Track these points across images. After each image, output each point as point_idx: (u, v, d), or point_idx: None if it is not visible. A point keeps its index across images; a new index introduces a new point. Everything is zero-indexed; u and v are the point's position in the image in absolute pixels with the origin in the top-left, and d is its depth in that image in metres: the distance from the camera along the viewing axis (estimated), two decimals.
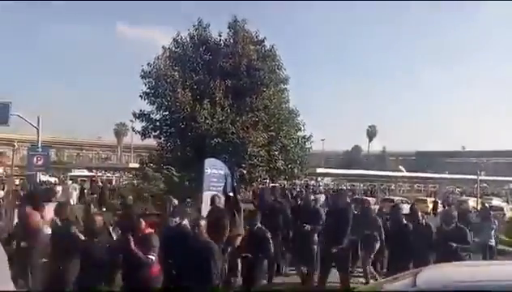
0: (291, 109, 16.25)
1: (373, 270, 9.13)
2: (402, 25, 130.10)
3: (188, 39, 15.63)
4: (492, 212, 11.52)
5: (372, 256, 8.93)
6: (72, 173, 42.38)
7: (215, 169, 10.89)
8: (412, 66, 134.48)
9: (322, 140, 58.01)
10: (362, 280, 8.66)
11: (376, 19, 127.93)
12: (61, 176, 40.54)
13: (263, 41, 15.87)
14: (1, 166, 41.28)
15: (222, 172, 11.11)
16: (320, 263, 7.65)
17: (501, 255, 10.44)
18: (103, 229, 6.06)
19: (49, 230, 6.69)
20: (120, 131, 72.03)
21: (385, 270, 8.75)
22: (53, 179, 35.26)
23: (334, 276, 7.84)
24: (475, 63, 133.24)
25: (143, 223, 5.53)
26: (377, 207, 14.10)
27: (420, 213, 9.03)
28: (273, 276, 8.20)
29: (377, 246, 8.79)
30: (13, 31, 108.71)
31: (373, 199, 24.84)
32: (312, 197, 10.09)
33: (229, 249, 7.76)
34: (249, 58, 14.73)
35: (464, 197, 32.46)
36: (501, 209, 22.42)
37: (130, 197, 12.48)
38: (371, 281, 8.70)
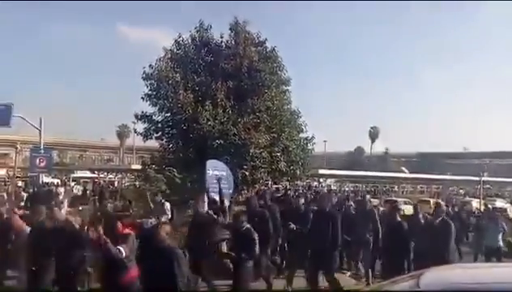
0: (293, 111, 16.22)
1: (361, 267, 9.13)
2: (403, 25, 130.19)
3: (189, 40, 15.64)
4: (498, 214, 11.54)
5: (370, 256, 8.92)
6: (75, 175, 42.54)
7: (216, 171, 10.90)
8: (414, 67, 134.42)
9: (325, 142, 58.15)
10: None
11: (377, 19, 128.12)
12: (64, 177, 40.65)
13: (265, 43, 15.87)
14: (3, 168, 41.39)
15: (224, 173, 11.13)
16: (308, 265, 7.61)
17: (507, 257, 10.37)
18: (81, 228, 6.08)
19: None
20: (122, 133, 72.25)
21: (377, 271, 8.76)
22: (55, 181, 35.38)
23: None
24: (477, 64, 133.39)
25: (120, 223, 5.44)
26: (380, 208, 14.08)
27: (420, 214, 9.04)
28: (269, 278, 8.03)
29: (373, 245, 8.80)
30: (14, 31, 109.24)
31: (376, 200, 24.75)
32: (302, 200, 9.78)
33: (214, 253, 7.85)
34: (251, 60, 14.72)
35: (467, 198, 32.38)
36: (505, 211, 22.34)
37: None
38: (364, 279, 8.69)
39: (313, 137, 16.68)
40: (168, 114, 15.03)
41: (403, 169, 57.77)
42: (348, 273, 9.42)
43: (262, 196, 10.29)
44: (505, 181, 47.13)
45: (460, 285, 3.16)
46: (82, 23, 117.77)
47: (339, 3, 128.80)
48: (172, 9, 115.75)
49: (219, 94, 14.05)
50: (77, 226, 6.09)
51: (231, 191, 11.46)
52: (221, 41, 15.82)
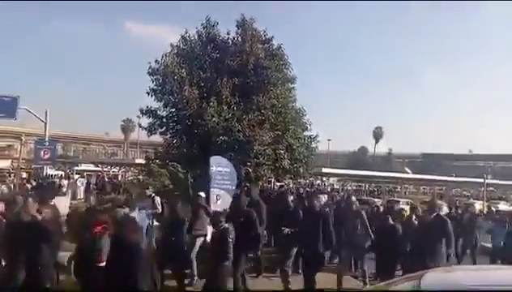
0: (298, 109, 16.20)
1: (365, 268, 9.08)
2: (408, 25, 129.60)
3: (196, 36, 15.64)
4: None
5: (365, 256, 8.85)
6: (78, 168, 42.68)
7: (220, 167, 10.93)
8: (419, 67, 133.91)
9: (329, 140, 58.03)
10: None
11: (381, 18, 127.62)
12: (68, 170, 40.81)
13: (271, 40, 15.84)
14: (8, 159, 41.64)
15: (227, 170, 11.15)
16: (303, 266, 7.45)
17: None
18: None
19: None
20: (127, 127, 72.39)
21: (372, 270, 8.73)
22: (59, 173, 35.56)
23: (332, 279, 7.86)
24: (482, 65, 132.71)
25: (97, 220, 5.36)
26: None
27: (413, 215, 9.00)
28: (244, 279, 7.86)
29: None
30: (23, 28, 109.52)
31: (379, 200, 24.72)
32: (291, 198, 9.51)
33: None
34: (257, 57, 14.70)
35: (471, 200, 32.30)
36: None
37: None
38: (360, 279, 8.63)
39: (317, 135, 16.67)
40: (173, 110, 15.05)
41: (407, 169, 57.70)
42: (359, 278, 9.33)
43: (250, 194, 10.01)
44: (509, 184, 46.94)
45: (461, 286, 3.17)
46: (90, 19, 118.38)
47: (341, 3, 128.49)
48: (179, 6, 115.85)
49: (225, 90, 14.05)
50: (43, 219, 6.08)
51: (234, 188, 11.49)
52: (227, 38, 15.80)
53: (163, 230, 8.08)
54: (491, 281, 3.42)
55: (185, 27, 15.93)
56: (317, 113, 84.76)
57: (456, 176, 47.64)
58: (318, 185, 41.96)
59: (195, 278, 8.07)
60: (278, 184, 24.96)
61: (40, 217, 6.14)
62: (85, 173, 37.49)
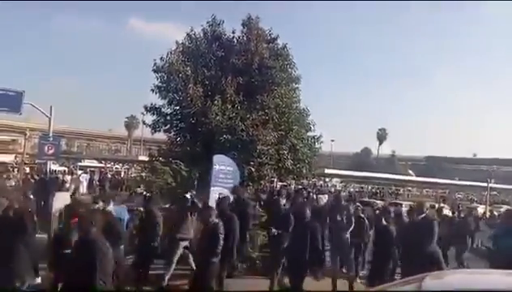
0: (301, 109, 16.17)
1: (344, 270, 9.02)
2: (413, 26, 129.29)
3: (201, 34, 15.65)
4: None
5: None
6: (82, 164, 42.81)
7: (223, 166, 10.95)
8: (424, 69, 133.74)
9: (332, 141, 57.95)
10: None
11: (386, 18, 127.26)
12: (71, 166, 40.95)
13: (276, 39, 15.83)
14: (12, 154, 41.81)
15: (230, 168, 11.17)
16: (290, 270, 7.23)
17: None
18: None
19: None
20: (130, 124, 72.57)
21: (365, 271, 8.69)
22: (63, 169, 35.67)
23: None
24: (488, 67, 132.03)
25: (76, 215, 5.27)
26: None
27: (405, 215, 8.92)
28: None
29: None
30: (28, 24, 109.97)
31: (382, 202, 24.68)
32: (283, 201, 9.43)
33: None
34: (262, 56, 14.69)
35: (475, 204, 32.24)
36: None
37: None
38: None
39: (320, 136, 16.64)
40: (177, 107, 15.06)
41: (410, 172, 57.52)
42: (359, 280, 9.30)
43: (236, 192, 9.87)
44: None
45: (463, 290, 3.16)
46: (94, 16, 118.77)
47: (345, 3, 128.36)
48: (183, 4, 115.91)
49: (229, 89, 14.05)
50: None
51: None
52: (233, 37, 15.79)
53: (137, 230, 7.93)
54: (493, 284, 3.41)
55: (189, 25, 16.06)
56: (321, 113, 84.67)
57: (459, 179, 47.48)
58: (321, 186, 41.91)
59: (166, 278, 7.84)
60: (280, 184, 24.95)
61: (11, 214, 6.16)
62: (88, 169, 37.59)
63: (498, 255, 6.82)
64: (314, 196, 18.08)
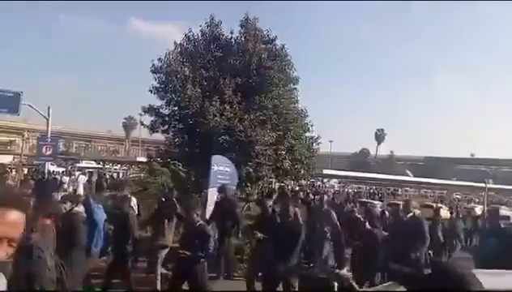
0: (299, 110, 16.20)
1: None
2: (412, 27, 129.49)
3: (199, 35, 15.66)
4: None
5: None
6: (80, 165, 42.70)
7: (221, 166, 10.94)
8: (424, 70, 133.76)
9: (330, 142, 58.00)
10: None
11: (385, 20, 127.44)
12: (69, 167, 40.86)
13: (274, 40, 15.86)
14: (10, 154, 41.73)
15: (228, 169, 11.16)
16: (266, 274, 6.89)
17: None
18: None
19: None
20: (129, 125, 72.45)
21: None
22: (61, 170, 35.58)
23: None
24: (488, 68, 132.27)
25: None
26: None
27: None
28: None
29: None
30: (25, 24, 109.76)
31: (380, 202, 24.66)
32: (270, 203, 8.79)
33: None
34: (260, 57, 14.72)
35: (472, 204, 32.27)
36: (508, 218, 22.23)
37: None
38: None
39: (318, 137, 16.69)
40: (176, 108, 15.07)
41: (408, 172, 57.51)
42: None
43: (223, 192, 9.59)
44: (510, 188, 46.80)
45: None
46: (93, 15, 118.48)
47: (343, 3, 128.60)
48: (183, 4, 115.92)
49: (227, 90, 14.06)
50: None
51: (235, 188, 11.50)
52: (231, 37, 15.82)
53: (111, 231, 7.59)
54: (493, 284, 3.42)
55: (190, 25, 16.02)
56: (319, 114, 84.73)
57: (457, 180, 47.55)
58: (319, 186, 41.90)
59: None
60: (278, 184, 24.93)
61: None
62: (86, 170, 37.51)
63: (482, 252, 6.85)
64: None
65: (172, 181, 13.14)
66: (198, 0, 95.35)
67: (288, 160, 14.82)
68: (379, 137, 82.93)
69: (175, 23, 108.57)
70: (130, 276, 7.10)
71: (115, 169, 42.74)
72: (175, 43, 15.34)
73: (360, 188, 48.03)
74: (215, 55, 15.51)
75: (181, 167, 13.48)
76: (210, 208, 9.50)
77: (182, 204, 7.92)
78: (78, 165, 42.38)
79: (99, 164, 43.35)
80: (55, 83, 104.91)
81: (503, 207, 32.68)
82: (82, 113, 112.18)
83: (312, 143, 16.40)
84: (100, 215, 6.93)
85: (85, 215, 6.44)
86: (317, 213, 9.03)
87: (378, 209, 10.65)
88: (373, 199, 30.42)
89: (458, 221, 12.72)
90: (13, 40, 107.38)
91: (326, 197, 11.23)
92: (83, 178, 28.24)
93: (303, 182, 30.43)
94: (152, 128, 15.47)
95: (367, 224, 7.47)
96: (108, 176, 34.97)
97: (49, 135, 20.54)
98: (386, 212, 9.13)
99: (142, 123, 16.89)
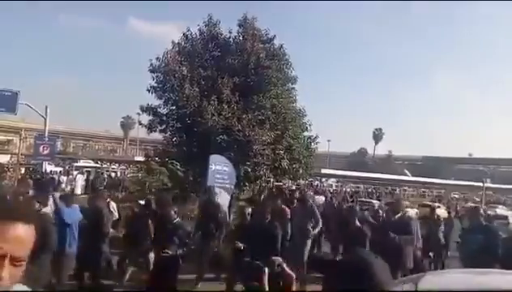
0: (298, 109, 16.18)
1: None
2: (411, 26, 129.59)
3: (197, 34, 15.63)
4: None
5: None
6: (78, 164, 42.59)
7: (219, 166, 10.92)
8: (422, 70, 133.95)
9: (328, 141, 58.10)
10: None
11: (384, 19, 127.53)
12: (67, 166, 40.74)
13: (272, 40, 15.83)
14: (7, 154, 41.57)
15: (226, 168, 11.14)
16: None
17: None
18: None
19: None
20: (126, 124, 72.36)
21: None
22: (58, 169, 35.49)
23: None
24: (487, 68, 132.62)
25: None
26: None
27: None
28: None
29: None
30: (24, 23, 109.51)
31: (378, 202, 24.66)
32: (248, 210, 8.07)
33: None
34: (258, 56, 14.69)
35: (470, 204, 32.30)
36: (506, 218, 22.26)
37: None
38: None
39: (316, 136, 16.67)
40: (174, 108, 15.02)
41: (406, 171, 57.63)
42: None
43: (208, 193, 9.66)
44: (508, 188, 46.94)
45: (458, 290, 3.15)
46: (92, 15, 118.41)
47: (342, 3, 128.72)
48: (181, 3, 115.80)
49: (225, 89, 14.03)
50: None
51: (233, 187, 11.48)
52: (229, 37, 15.79)
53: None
54: (489, 284, 3.41)
55: (189, 25, 15.97)
56: (317, 113, 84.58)
57: (456, 179, 47.65)
58: (317, 186, 41.90)
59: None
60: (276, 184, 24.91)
61: None
62: (84, 170, 37.39)
63: (465, 249, 6.92)
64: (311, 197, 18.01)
65: (170, 180, 13.13)
66: (198, 0, 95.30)
67: (286, 159, 14.80)
68: (377, 136, 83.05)
69: (174, 23, 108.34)
70: (98, 273, 7.02)
71: (113, 168, 42.61)
72: (173, 42, 15.31)
73: (358, 188, 48.04)
74: (213, 54, 15.48)
75: (179, 166, 13.46)
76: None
77: (159, 204, 7.92)
78: (75, 164, 42.27)
79: (97, 163, 43.25)
80: (54, 83, 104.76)
81: (500, 206, 32.81)
82: (80, 113, 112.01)
83: (310, 143, 16.38)
84: (74, 215, 6.81)
85: (55, 216, 6.38)
86: (301, 210, 8.93)
87: (376, 208, 10.68)
88: (371, 199, 30.46)
89: (456, 221, 12.75)
90: (13, 40, 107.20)
91: (309, 193, 11.16)
92: (80, 178, 28.23)
93: (301, 181, 30.44)
94: (150, 127, 15.42)
95: (356, 221, 7.45)
96: (106, 175, 34.91)
97: (46, 135, 20.49)
98: (380, 211, 9.10)
99: (140, 123, 16.85)
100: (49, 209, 6.57)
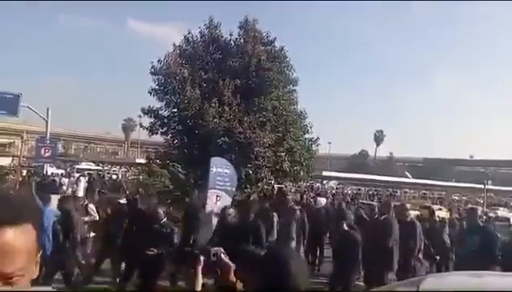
0: (299, 111, 16.19)
1: None
2: (412, 28, 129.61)
3: (199, 37, 15.67)
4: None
5: None
6: (79, 166, 42.64)
7: (220, 168, 10.91)
8: (423, 72, 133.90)
9: (329, 143, 58.09)
10: None
11: (384, 21, 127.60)
12: (69, 168, 40.77)
13: (273, 42, 15.88)
14: (9, 156, 41.60)
15: (228, 171, 11.14)
16: None
17: None
18: None
19: None
20: (128, 127, 72.44)
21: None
22: (60, 171, 35.53)
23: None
24: (487, 69, 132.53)
25: None
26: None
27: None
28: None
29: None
30: (24, 24, 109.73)
31: (377, 203, 24.62)
32: (230, 211, 7.73)
33: None
34: (259, 58, 14.73)
35: (470, 206, 32.23)
36: (507, 220, 22.23)
37: None
38: None
39: (317, 138, 16.67)
40: (175, 110, 15.05)
41: (407, 173, 57.56)
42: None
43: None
44: (510, 190, 46.85)
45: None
46: (92, 16, 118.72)
47: (342, 4, 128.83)
48: (183, 5, 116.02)
49: (226, 91, 14.06)
50: None
51: (234, 189, 11.47)
52: (230, 39, 15.83)
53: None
54: (491, 286, 3.41)
55: (190, 26, 16.02)
56: (318, 115, 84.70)
57: (456, 181, 47.58)
58: (318, 188, 41.86)
59: None
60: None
61: None
62: (85, 172, 37.42)
63: (461, 250, 6.92)
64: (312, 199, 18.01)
65: (172, 182, 13.14)
66: (198, 1, 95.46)
67: (287, 161, 14.81)
68: (378, 138, 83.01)
69: (174, 24, 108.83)
70: (54, 274, 6.97)
71: (114, 170, 42.64)
72: (174, 45, 15.37)
73: (359, 190, 47.99)
74: (214, 57, 15.53)
75: (180, 169, 13.46)
76: (208, 210, 9.52)
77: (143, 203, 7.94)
78: (77, 166, 42.32)
79: (98, 166, 43.32)
80: (54, 84, 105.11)
81: (502, 208, 32.75)
82: (81, 115, 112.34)
83: (311, 145, 16.39)
84: (49, 216, 6.76)
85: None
86: (287, 212, 8.99)
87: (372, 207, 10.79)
88: (372, 201, 30.42)
89: (457, 223, 12.67)
90: (13, 40, 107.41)
91: (291, 196, 11.13)
92: (83, 180, 28.23)
93: (302, 183, 30.42)
94: (151, 130, 15.44)
95: (344, 225, 7.48)
96: (107, 178, 34.93)
97: (47, 137, 20.52)
98: (376, 210, 9.18)
99: (141, 125, 16.94)
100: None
